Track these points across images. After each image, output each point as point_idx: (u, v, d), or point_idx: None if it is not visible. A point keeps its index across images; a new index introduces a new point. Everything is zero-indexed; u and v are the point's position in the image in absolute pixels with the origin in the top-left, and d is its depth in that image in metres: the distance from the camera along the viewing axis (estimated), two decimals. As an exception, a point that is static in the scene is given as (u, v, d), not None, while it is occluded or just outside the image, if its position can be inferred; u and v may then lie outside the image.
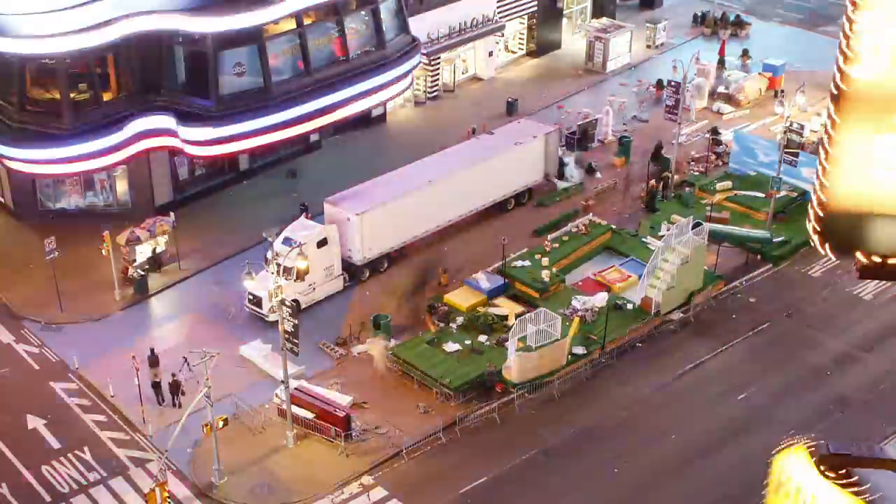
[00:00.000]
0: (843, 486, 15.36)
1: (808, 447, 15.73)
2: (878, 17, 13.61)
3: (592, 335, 44.07)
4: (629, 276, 47.57)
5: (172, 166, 53.35)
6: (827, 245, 14.58)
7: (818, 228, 14.33)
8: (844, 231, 14.24)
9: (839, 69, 14.03)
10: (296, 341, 38.41)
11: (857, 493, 15.21)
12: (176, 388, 41.10)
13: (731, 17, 75.15)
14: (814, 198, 14.35)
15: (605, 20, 71.70)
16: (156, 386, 41.42)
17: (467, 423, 40.58)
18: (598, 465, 39.11)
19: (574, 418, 41.22)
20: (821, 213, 14.18)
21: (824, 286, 48.81)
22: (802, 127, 51.85)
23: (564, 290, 47.13)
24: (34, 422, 40.95)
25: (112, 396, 41.88)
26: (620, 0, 76.97)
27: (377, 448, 39.47)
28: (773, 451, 15.80)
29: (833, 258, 14.57)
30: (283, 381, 38.87)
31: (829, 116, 14.22)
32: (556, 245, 49.39)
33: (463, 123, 60.63)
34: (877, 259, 14.45)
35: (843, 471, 15.52)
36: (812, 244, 14.89)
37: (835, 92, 14.13)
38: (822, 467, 15.59)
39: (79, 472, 38.63)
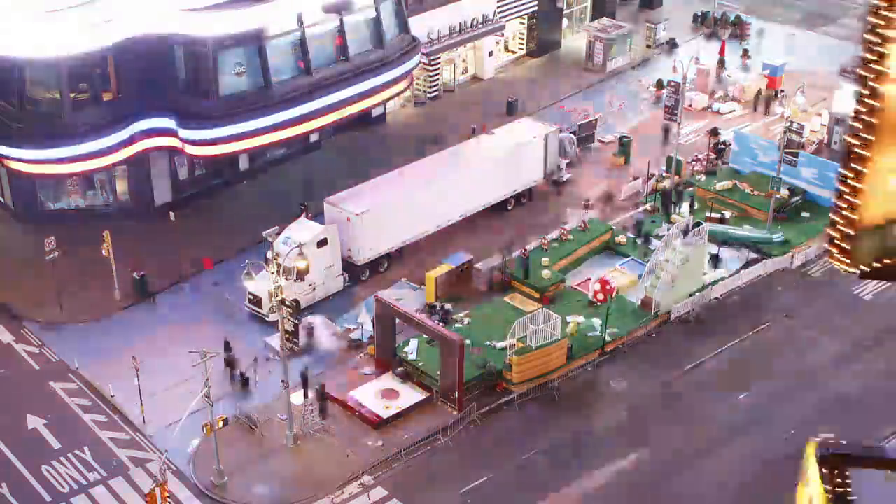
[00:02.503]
0: (827, 492, 15.31)
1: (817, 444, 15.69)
2: None
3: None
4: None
5: (172, 166, 53.35)
6: (852, 262, 14.34)
7: (846, 247, 14.04)
8: (871, 245, 13.99)
9: (870, 87, 13.47)
10: (296, 340, 38.46)
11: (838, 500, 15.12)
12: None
13: (731, 17, 75.16)
14: (839, 217, 14.02)
15: (605, 20, 71.69)
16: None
17: (467, 424, 40.59)
18: (598, 464, 39.11)
19: (574, 418, 41.23)
20: (851, 232, 13.92)
21: (824, 286, 48.82)
22: (802, 127, 51.87)
23: (565, 291, 47.18)
24: (34, 422, 40.96)
25: (112, 396, 41.90)
26: (620, 0, 76.97)
27: (377, 448, 39.48)
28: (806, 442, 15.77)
29: (856, 274, 14.37)
30: (282, 381, 38.89)
31: (858, 136, 13.73)
32: (556, 244, 49.42)
33: (463, 123, 60.62)
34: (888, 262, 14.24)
35: (838, 473, 15.47)
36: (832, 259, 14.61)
37: (864, 111, 13.58)
38: (822, 468, 15.56)
39: (79, 472, 38.64)
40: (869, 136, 13.44)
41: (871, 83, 13.33)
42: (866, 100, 13.42)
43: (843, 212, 13.79)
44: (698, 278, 47.05)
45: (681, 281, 45.67)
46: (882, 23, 13.01)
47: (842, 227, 13.83)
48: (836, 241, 13.99)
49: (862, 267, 14.36)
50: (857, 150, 13.66)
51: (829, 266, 49.33)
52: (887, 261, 14.10)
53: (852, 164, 13.69)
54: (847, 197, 13.64)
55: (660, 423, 41.00)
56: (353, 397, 41.41)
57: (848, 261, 14.04)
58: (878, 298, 47.90)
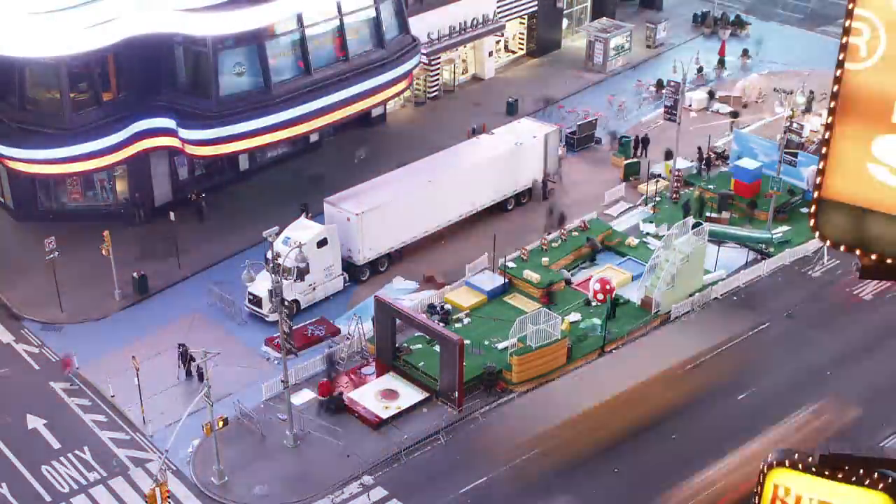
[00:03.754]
0: (855, 483, 15.33)
1: (794, 464, 15.66)
2: (875, 10, 13.96)
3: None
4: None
5: (172, 166, 53.35)
6: (817, 230, 15.14)
7: (812, 212, 15.00)
8: (844, 224, 14.78)
9: (838, 65, 14.50)
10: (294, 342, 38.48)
11: (869, 485, 15.18)
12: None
13: (731, 17, 75.17)
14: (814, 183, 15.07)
15: (605, 20, 71.70)
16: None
17: (466, 423, 40.58)
18: (598, 465, 39.11)
19: (574, 418, 41.21)
20: (815, 195, 14.80)
21: (824, 286, 48.82)
22: (802, 127, 51.86)
23: (565, 290, 47.18)
24: (34, 422, 40.96)
25: (112, 396, 41.90)
26: (620, 0, 77.00)
27: (377, 448, 39.48)
28: (762, 467, 15.62)
29: (825, 244, 15.16)
30: (282, 381, 38.89)
31: (829, 107, 14.78)
32: (555, 244, 49.45)
33: (463, 123, 60.62)
34: (873, 258, 14.74)
35: (847, 469, 15.46)
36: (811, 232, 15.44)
37: (833, 88, 14.70)
38: (824, 470, 15.50)
39: (79, 472, 38.64)
40: (834, 108, 14.58)
41: (839, 57, 14.37)
42: (836, 72, 14.56)
43: (817, 178, 14.96)
44: (698, 278, 47.07)
45: (680, 281, 45.70)
46: None
47: (814, 193, 14.89)
48: (810, 206, 15.01)
49: (833, 241, 15.16)
50: (827, 120, 14.81)
51: (829, 266, 49.68)
52: (873, 256, 14.75)
53: (824, 136, 14.88)
54: (819, 165, 14.73)
55: (659, 424, 40.97)
56: (352, 398, 41.41)
57: (811, 223, 14.97)
58: (878, 298, 47.90)
